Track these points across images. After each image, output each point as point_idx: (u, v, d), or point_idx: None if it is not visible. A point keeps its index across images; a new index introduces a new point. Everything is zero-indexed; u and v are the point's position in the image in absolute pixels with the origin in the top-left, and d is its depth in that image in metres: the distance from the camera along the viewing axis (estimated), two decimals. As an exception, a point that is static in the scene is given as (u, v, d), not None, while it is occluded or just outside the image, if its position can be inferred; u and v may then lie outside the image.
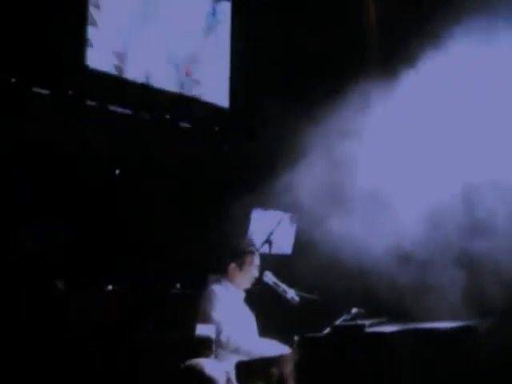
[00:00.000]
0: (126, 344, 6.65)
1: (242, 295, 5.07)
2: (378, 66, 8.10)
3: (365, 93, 7.12)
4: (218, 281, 4.97)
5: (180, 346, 6.51)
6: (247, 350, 4.63)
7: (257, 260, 5.11)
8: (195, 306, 5.40)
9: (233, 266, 5.02)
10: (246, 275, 5.05)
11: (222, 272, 5.01)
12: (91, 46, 7.64)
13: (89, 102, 7.63)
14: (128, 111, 7.95)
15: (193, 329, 4.55)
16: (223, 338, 4.62)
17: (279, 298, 5.05)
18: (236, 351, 4.62)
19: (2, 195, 6.67)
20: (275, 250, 7.58)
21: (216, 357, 4.45)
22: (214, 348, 4.32)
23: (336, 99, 7.36)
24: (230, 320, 4.73)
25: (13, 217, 6.82)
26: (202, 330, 4.26)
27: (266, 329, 5.01)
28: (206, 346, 4.20)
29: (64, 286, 6.91)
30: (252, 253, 5.09)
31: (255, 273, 5.08)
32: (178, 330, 6.60)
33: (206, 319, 4.72)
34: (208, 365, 3.30)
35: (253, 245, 5.34)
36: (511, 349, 4.42)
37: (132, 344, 6.68)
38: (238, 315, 4.88)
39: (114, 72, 7.90)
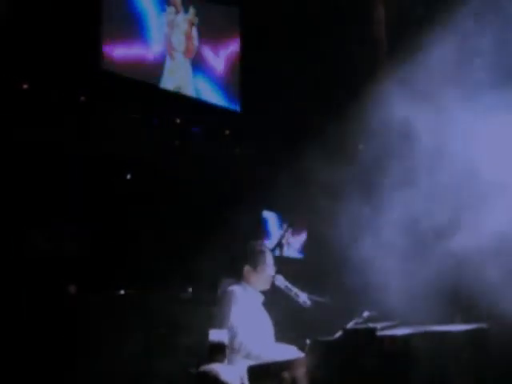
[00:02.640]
0: (139, 347, 6.67)
1: (261, 298, 5.04)
2: (390, 70, 8.06)
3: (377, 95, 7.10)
4: (237, 282, 4.95)
5: (193, 349, 6.54)
6: (258, 356, 4.61)
7: (269, 258, 5.07)
8: (206, 310, 5.40)
9: (247, 268, 4.98)
10: (262, 275, 5.00)
11: (237, 276, 4.99)
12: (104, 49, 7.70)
13: (100, 106, 7.67)
14: (139, 115, 7.98)
15: (205, 333, 4.55)
16: (236, 343, 4.60)
17: (291, 301, 5.03)
18: (247, 356, 4.61)
19: (15, 198, 6.72)
20: (287, 253, 7.60)
21: (229, 362, 4.47)
22: (227, 353, 4.32)
23: (347, 102, 7.37)
24: (246, 324, 4.71)
25: (26, 220, 6.86)
26: (215, 335, 4.24)
27: (278, 333, 5.01)
28: (219, 351, 4.19)
29: (76, 290, 6.94)
30: (263, 252, 5.05)
31: (271, 271, 5.04)
32: (189, 333, 6.63)
33: (224, 321, 4.70)
34: (223, 370, 3.30)
35: (263, 244, 5.32)
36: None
37: (145, 347, 6.69)
38: (254, 319, 4.85)
39: (126, 76, 7.94)
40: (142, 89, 8.06)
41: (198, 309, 6.66)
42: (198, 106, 8.70)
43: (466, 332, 4.41)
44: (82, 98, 7.45)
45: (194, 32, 8.91)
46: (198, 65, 8.91)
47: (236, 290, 4.82)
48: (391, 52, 8.72)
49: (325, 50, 8.71)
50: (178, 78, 8.63)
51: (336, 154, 7.35)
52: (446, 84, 6.23)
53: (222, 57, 9.10)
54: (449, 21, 6.67)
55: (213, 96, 8.91)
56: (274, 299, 5.05)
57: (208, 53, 8.99)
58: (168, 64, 8.55)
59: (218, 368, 3.34)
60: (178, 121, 8.45)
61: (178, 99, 8.50)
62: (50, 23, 7.11)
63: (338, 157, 7.31)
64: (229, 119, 9.00)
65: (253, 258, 4.96)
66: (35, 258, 6.95)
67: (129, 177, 7.80)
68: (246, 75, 9.11)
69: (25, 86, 7.16)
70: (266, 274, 4.98)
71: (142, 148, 7.75)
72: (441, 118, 6.23)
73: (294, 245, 8.08)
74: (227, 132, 8.99)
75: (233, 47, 9.17)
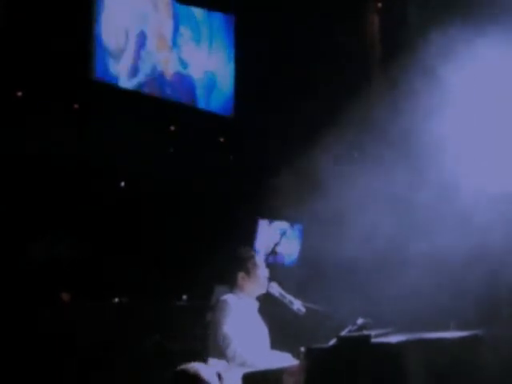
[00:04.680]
0: (133, 356, 6.66)
1: (256, 305, 5.04)
2: (381, 79, 8.07)
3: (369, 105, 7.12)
4: (230, 291, 4.94)
5: (187, 356, 6.52)
6: (252, 363, 4.61)
7: (260, 260, 5.08)
8: (201, 318, 5.40)
9: (241, 275, 4.98)
10: (257, 280, 5.00)
11: (232, 284, 4.98)
12: (96, 58, 7.70)
13: (94, 115, 7.67)
14: (132, 123, 7.97)
15: (200, 340, 4.56)
16: (230, 352, 4.61)
17: (285, 309, 5.03)
18: (242, 365, 4.61)
19: (8, 208, 6.71)
20: (281, 261, 7.59)
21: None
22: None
23: (338, 108, 7.38)
24: (241, 332, 4.71)
25: (21, 229, 6.86)
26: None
27: (273, 341, 5.00)
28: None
29: (70, 298, 6.93)
30: (252, 256, 5.06)
31: (264, 273, 5.04)
32: (184, 341, 6.62)
33: (217, 330, 4.71)
34: (202, 368, 3.32)
35: (250, 249, 5.32)
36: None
37: (139, 356, 6.68)
38: (249, 326, 4.85)
39: (118, 84, 7.95)
40: (135, 96, 8.07)
41: (192, 316, 6.66)
42: (191, 113, 8.70)
43: (461, 339, 4.41)
44: (76, 106, 7.46)
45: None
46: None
47: (229, 299, 4.82)
48: (385, 54, 8.74)
49: (320, 55, 8.72)
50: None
51: (332, 159, 7.35)
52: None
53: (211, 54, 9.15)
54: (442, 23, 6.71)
55: (206, 100, 8.93)
56: (268, 307, 5.05)
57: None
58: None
59: (197, 365, 3.35)
60: (172, 128, 8.45)
61: (171, 106, 8.50)
62: (44, 32, 7.11)
63: (335, 162, 7.31)
64: (223, 126, 8.99)
65: (244, 264, 4.96)
66: (30, 266, 6.94)
67: (123, 184, 7.79)
68: (240, 80, 9.11)
69: (19, 94, 7.16)
70: (260, 277, 4.98)
71: (135, 155, 7.74)
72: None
73: (288, 252, 8.07)
74: (221, 139, 8.99)
75: (225, 51, 9.18)
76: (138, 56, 8.26)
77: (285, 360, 4.75)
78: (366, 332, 4.36)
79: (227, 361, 4.60)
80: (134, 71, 8.23)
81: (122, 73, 8.01)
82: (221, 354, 4.62)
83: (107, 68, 7.83)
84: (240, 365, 4.60)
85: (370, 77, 8.75)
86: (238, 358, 4.60)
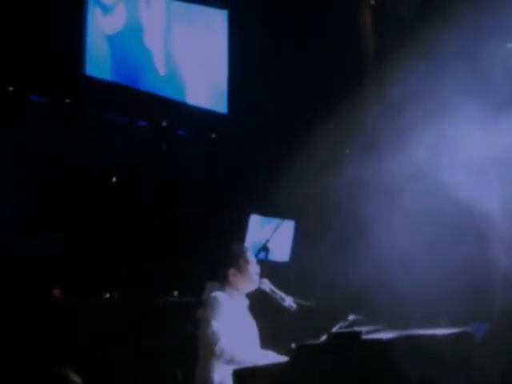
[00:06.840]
0: (124, 350, 6.66)
1: (246, 302, 5.04)
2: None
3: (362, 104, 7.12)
4: (221, 288, 4.94)
5: (178, 352, 6.53)
6: (240, 361, 4.61)
7: (252, 256, 5.08)
8: (192, 314, 5.39)
9: (232, 271, 4.98)
10: (248, 276, 5.00)
11: (223, 281, 4.98)
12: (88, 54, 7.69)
13: (86, 110, 7.65)
14: (124, 119, 7.96)
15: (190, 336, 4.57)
16: (218, 349, 4.61)
17: (276, 305, 5.03)
18: (230, 362, 4.61)
19: (1, 204, 6.69)
20: (272, 257, 7.57)
21: (212, 368, 4.56)
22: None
23: (336, 105, 7.39)
24: (230, 329, 4.71)
25: (12, 226, 6.84)
26: None
27: (263, 337, 5.00)
28: None
29: (62, 294, 6.92)
30: (243, 253, 5.06)
31: (256, 269, 5.04)
32: (175, 336, 6.62)
33: (206, 327, 4.71)
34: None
35: (241, 245, 5.33)
36: (508, 356, 4.42)
37: (130, 350, 6.68)
38: (238, 324, 4.85)
39: (110, 79, 7.93)
40: (127, 92, 8.05)
41: (183, 313, 6.65)
42: (184, 109, 8.69)
43: (451, 336, 4.42)
44: (67, 101, 7.44)
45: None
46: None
47: (219, 296, 4.81)
48: (378, 57, 8.74)
49: (313, 52, 8.71)
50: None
51: (325, 156, 7.36)
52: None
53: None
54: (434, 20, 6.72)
55: (199, 99, 8.92)
56: (258, 303, 5.05)
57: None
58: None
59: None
60: (165, 124, 8.43)
61: (164, 102, 8.49)
62: (35, 27, 7.09)
63: (327, 160, 7.32)
64: (215, 122, 8.98)
65: (236, 260, 4.96)
66: (21, 262, 6.93)
67: (114, 180, 7.78)
68: (233, 77, 9.09)
69: (10, 89, 7.15)
70: (251, 273, 4.99)
71: (128, 151, 7.73)
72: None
73: (280, 248, 8.06)
74: (213, 135, 8.98)
75: (219, 47, 9.14)
76: (128, 50, 8.24)
77: (274, 357, 4.75)
78: (356, 328, 4.37)
79: (215, 358, 4.61)
80: (126, 66, 8.22)
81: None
82: (210, 350, 4.62)
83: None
84: (228, 362, 4.60)
85: (363, 74, 8.74)
86: (226, 354, 4.60)
